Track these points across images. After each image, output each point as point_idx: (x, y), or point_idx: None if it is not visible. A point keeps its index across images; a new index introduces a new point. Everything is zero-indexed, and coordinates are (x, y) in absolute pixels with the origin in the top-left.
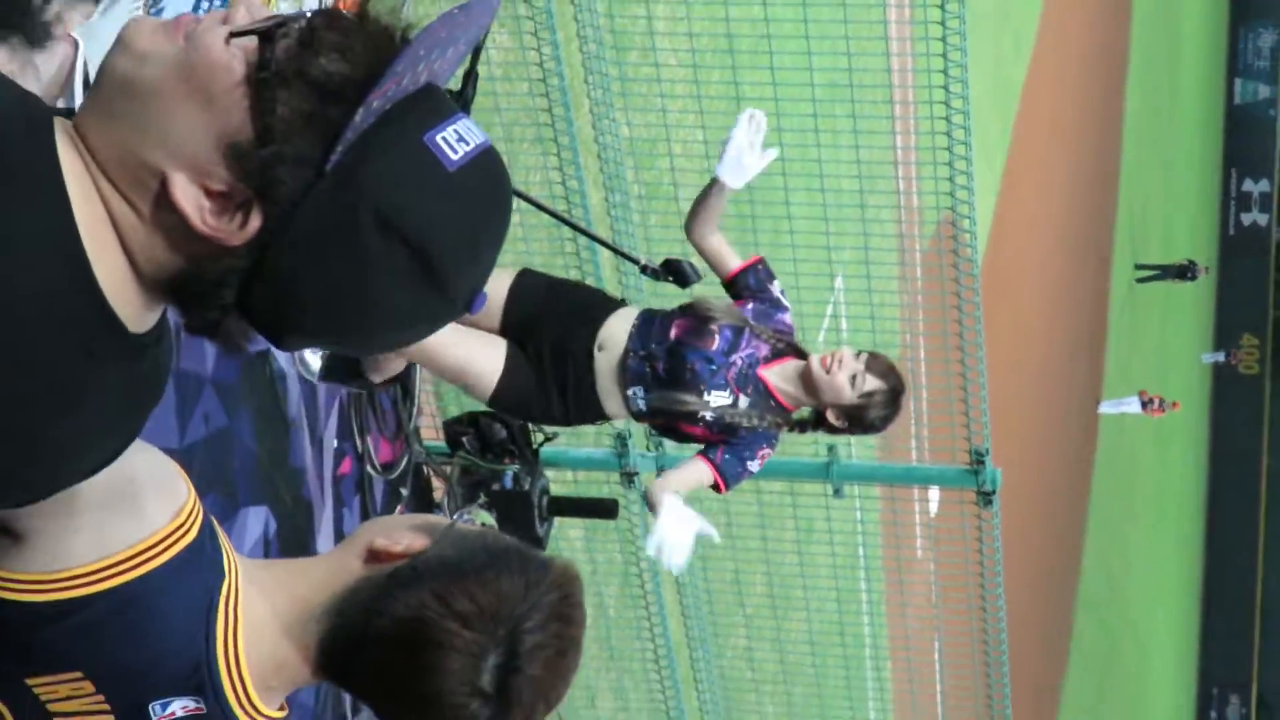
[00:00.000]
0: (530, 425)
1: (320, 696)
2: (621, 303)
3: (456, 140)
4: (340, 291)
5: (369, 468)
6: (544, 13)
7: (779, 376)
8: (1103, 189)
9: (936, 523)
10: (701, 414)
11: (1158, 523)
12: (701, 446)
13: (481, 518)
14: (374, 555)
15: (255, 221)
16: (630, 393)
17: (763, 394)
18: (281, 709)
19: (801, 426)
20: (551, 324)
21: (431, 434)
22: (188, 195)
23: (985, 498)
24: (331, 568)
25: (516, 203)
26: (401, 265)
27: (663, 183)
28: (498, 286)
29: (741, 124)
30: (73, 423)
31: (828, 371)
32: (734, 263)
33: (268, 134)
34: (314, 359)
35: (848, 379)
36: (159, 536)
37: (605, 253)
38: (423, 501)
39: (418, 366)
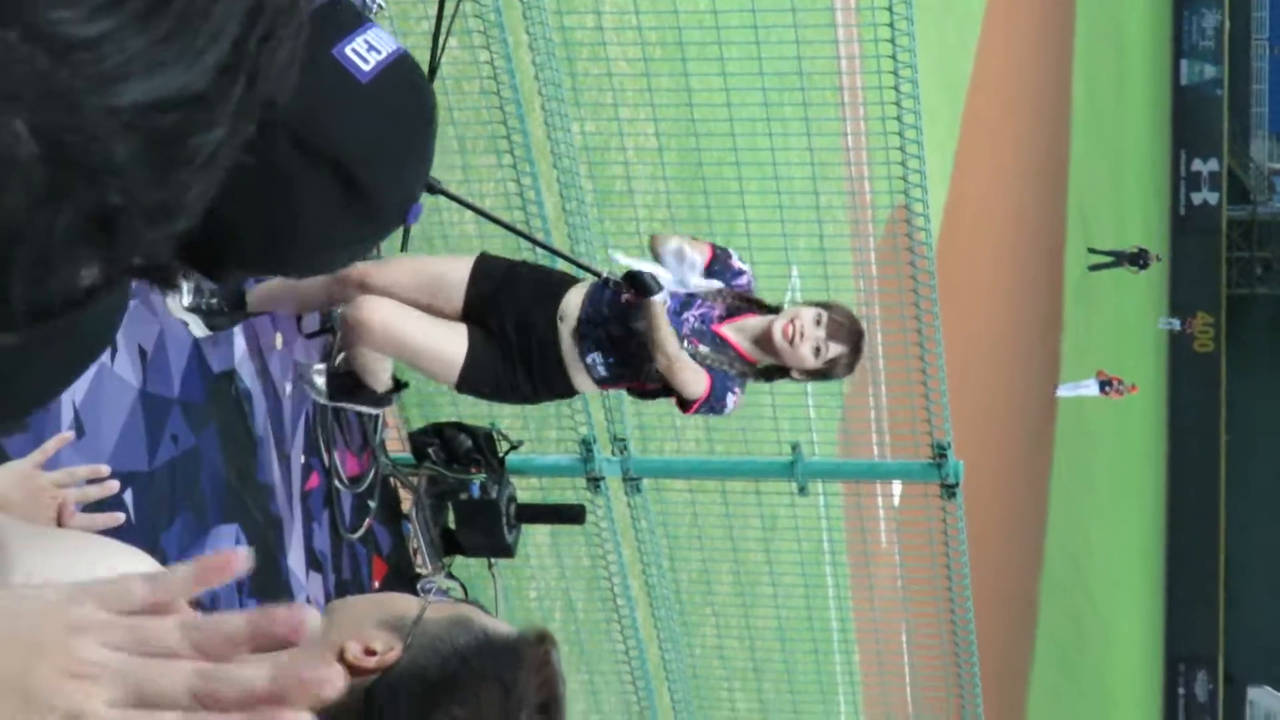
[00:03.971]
0: (495, 435)
1: None
2: (577, 278)
3: (367, 50)
4: (268, 218)
5: (336, 481)
6: (493, 12)
7: (738, 333)
8: (1053, 174)
9: (900, 513)
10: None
11: (1119, 502)
12: (675, 402)
13: (448, 585)
14: (346, 667)
15: None
16: (589, 360)
17: (721, 346)
18: None
19: (767, 375)
20: (513, 300)
21: (397, 446)
22: None
23: (949, 490)
24: None
25: (474, 217)
26: (324, 183)
27: (616, 186)
28: (458, 271)
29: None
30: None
31: (791, 343)
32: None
33: None
34: (319, 378)
35: (811, 351)
36: None
37: (564, 263)
38: (391, 513)
39: None
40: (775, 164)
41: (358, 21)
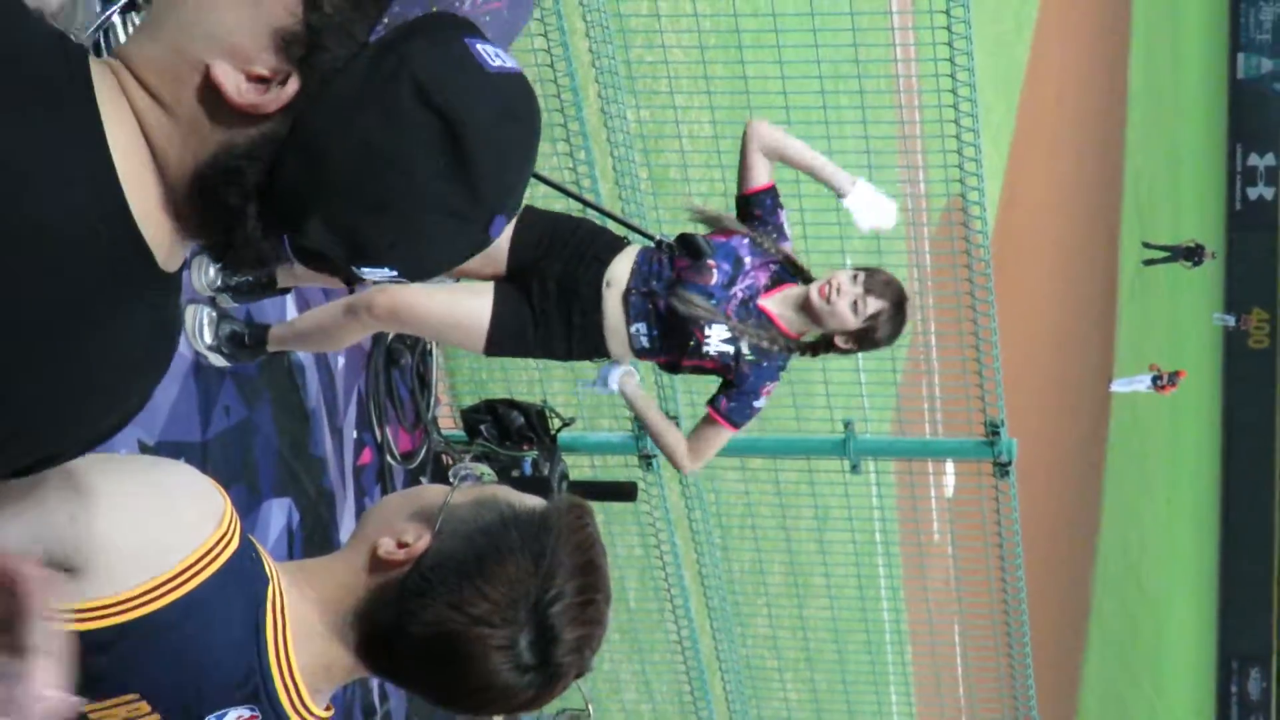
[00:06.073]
0: (548, 412)
1: (348, 687)
2: (624, 241)
3: (495, 55)
4: (368, 153)
5: (389, 457)
6: (550, 0)
7: (780, 305)
8: (1108, 166)
9: (954, 503)
10: (705, 348)
11: (1173, 498)
12: (712, 380)
13: (479, 470)
14: (379, 563)
15: (293, 86)
16: (634, 330)
17: (765, 322)
18: (328, 709)
19: (812, 349)
20: (556, 260)
21: (449, 423)
22: (229, 77)
23: (1002, 469)
24: (350, 568)
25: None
26: (433, 138)
27: (670, 173)
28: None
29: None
30: (100, 350)
31: (828, 301)
32: (761, 179)
33: (316, 18)
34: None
35: (849, 306)
36: (204, 549)
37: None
38: None
39: (434, 356)
40: (830, 153)
41: (488, 39)
